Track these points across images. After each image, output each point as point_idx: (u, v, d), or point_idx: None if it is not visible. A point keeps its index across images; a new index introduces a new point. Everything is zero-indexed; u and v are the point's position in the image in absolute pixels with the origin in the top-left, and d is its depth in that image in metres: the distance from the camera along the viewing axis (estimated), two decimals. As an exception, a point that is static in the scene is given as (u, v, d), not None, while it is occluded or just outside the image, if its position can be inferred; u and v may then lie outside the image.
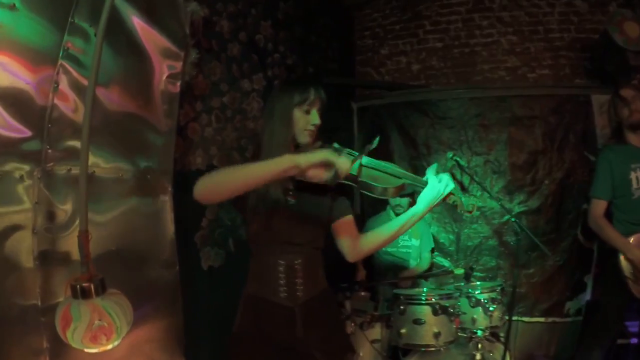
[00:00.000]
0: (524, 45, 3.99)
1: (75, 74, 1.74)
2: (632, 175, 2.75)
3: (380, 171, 1.59)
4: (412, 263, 3.44)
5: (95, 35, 1.77)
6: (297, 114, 1.58)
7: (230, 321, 2.56)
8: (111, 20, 1.80)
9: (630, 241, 2.69)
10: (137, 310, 1.88)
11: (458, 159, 3.51)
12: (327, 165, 1.36)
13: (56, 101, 1.70)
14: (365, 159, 1.56)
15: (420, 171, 3.97)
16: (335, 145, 1.60)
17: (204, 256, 2.49)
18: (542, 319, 3.66)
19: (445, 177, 1.66)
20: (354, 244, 1.69)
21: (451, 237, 3.88)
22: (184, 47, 2.13)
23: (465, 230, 3.84)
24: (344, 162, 1.37)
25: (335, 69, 3.97)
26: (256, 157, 1.57)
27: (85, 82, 1.76)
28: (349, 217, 1.72)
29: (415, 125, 3.97)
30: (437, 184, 1.64)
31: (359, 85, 4.43)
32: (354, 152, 1.59)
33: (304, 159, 1.34)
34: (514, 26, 4.01)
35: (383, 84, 4.31)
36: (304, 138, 1.60)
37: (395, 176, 1.60)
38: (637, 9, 3.58)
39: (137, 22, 1.93)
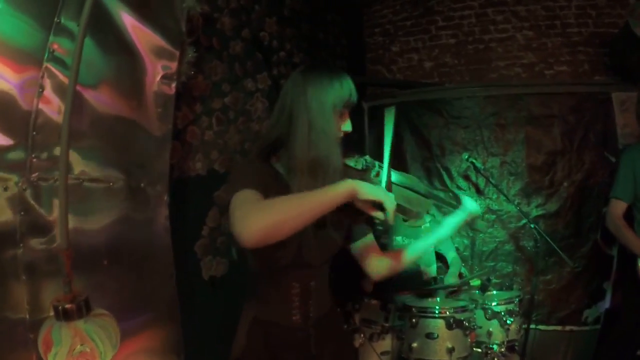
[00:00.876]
0: (540, 40, 3.81)
1: (61, 77, 1.62)
2: None
3: (413, 190, 1.48)
4: (425, 268, 3.29)
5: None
6: (334, 115, 1.39)
7: (233, 332, 2.48)
8: (98, 16, 1.71)
9: None
10: (133, 320, 1.82)
11: (474, 160, 3.39)
12: (377, 205, 1.30)
13: (41, 106, 1.59)
14: (394, 178, 1.47)
15: (433, 172, 3.88)
16: (367, 158, 1.48)
17: (204, 266, 2.37)
18: (559, 327, 3.52)
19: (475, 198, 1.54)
20: (374, 263, 1.63)
21: (466, 241, 3.74)
22: (180, 45, 2.00)
23: (481, 235, 3.69)
24: (389, 198, 1.29)
25: (344, 66, 3.82)
26: (264, 153, 1.42)
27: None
28: (371, 237, 1.64)
29: (429, 125, 3.83)
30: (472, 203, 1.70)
31: (370, 83, 4.29)
32: (380, 165, 1.47)
33: (365, 191, 1.26)
34: (530, 21, 3.83)
35: (394, 82, 4.16)
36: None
37: (426, 196, 1.50)
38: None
39: (127, 19, 1.81)
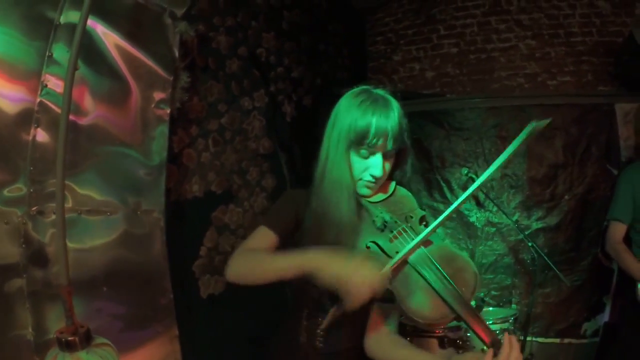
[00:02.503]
0: (544, 50, 3.77)
1: (56, 110, 1.65)
2: None
3: (431, 285, 1.08)
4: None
5: (76, 68, 1.70)
6: (354, 156, 1.20)
7: (231, 349, 2.53)
8: (90, 46, 1.74)
9: None
10: (132, 342, 1.87)
11: (473, 176, 3.38)
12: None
13: (37, 140, 1.63)
14: (417, 255, 1.10)
15: (433, 185, 3.87)
16: (387, 217, 1.19)
17: (203, 285, 2.40)
18: (557, 340, 3.51)
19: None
20: (373, 336, 1.33)
21: (464, 254, 3.72)
22: (173, 71, 2.02)
23: (480, 247, 3.69)
24: (365, 285, 1.00)
25: (345, 78, 3.82)
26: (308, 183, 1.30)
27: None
28: (388, 305, 1.32)
29: (430, 137, 3.81)
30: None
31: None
32: (409, 231, 1.16)
33: (325, 275, 1.05)
34: (533, 30, 3.79)
35: (395, 93, 4.14)
36: (359, 189, 1.24)
37: (448, 304, 1.06)
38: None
39: (119, 47, 1.83)
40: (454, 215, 3.73)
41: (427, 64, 4.06)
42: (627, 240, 2.70)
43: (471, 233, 3.70)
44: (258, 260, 1.20)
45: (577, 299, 3.47)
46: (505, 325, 2.65)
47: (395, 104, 1.24)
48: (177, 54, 2.07)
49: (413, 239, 1.12)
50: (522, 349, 2.77)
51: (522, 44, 3.82)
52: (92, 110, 1.77)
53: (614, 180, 3.37)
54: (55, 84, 1.62)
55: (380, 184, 1.25)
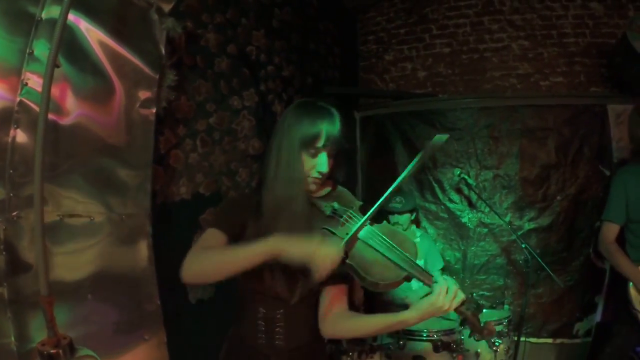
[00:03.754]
0: (536, 50, 3.76)
1: (37, 110, 1.57)
2: None
3: (381, 254, 1.29)
4: (415, 286, 3.26)
5: (57, 65, 1.62)
6: (304, 155, 1.37)
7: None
8: (73, 43, 1.67)
9: None
10: (119, 349, 1.82)
11: (466, 177, 3.37)
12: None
13: (17, 142, 1.55)
14: (365, 232, 1.31)
15: (425, 185, 3.84)
16: (335, 205, 1.37)
17: (191, 290, 2.34)
18: (549, 340, 3.52)
19: (454, 288, 1.24)
20: (329, 317, 1.45)
21: (457, 254, 3.71)
22: (159, 69, 1.95)
23: (472, 248, 3.67)
24: (327, 258, 1.19)
25: (336, 77, 3.77)
26: (257, 190, 1.45)
27: (49, 118, 1.62)
28: (342, 287, 1.48)
29: (421, 137, 3.78)
30: (442, 296, 1.22)
31: (362, 94, 4.23)
32: (356, 215, 1.35)
33: (290, 252, 1.21)
34: (526, 30, 3.78)
35: (387, 93, 4.11)
36: (306, 186, 1.39)
37: (397, 265, 1.27)
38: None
39: (103, 44, 1.75)
40: (446, 216, 3.72)
41: (419, 63, 4.03)
42: (622, 240, 2.70)
43: (463, 234, 3.68)
44: (217, 254, 1.31)
45: (569, 299, 3.47)
46: (500, 327, 2.62)
47: (336, 113, 1.41)
48: (163, 51, 2.00)
49: (359, 220, 1.31)
50: (516, 350, 2.75)
51: (515, 45, 3.81)
52: (74, 109, 1.69)
53: (606, 181, 3.38)
54: (36, 82, 1.55)
55: (323, 181, 1.42)
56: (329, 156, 1.37)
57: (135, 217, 1.89)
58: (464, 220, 3.68)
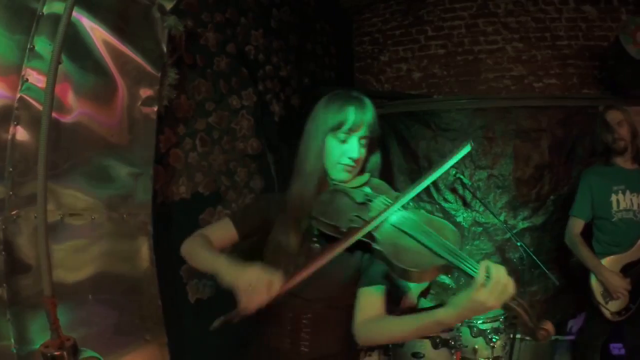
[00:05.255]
0: (530, 52, 3.81)
1: (37, 107, 1.56)
2: (613, 198, 2.73)
3: (415, 239, 1.14)
4: (412, 284, 3.28)
5: (59, 62, 1.61)
6: (332, 141, 1.31)
7: (220, 354, 2.45)
8: (75, 40, 1.65)
9: (604, 262, 2.67)
10: (119, 351, 1.79)
11: (461, 176, 3.39)
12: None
13: (17, 139, 1.53)
14: (398, 217, 1.20)
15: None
16: (367, 190, 1.31)
17: (191, 289, 2.32)
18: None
19: (501, 278, 0.99)
20: (362, 322, 1.30)
21: (452, 253, 3.73)
22: (161, 68, 1.93)
23: (467, 247, 3.70)
24: (253, 287, 1.11)
25: (332, 77, 3.77)
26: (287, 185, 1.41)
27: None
28: (377, 289, 1.32)
29: (416, 137, 3.80)
30: (485, 289, 0.99)
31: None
32: (387, 199, 1.26)
33: (225, 274, 1.19)
34: (520, 32, 3.83)
35: (382, 93, 4.12)
36: (337, 173, 1.33)
37: (433, 251, 1.10)
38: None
39: (105, 42, 1.74)
40: (441, 215, 3.74)
41: (414, 64, 4.05)
42: (589, 235, 2.84)
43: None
44: (199, 249, 1.34)
45: (563, 297, 3.50)
46: (496, 324, 2.65)
47: (367, 99, 1.36)
48: (165, 49, 1.98)
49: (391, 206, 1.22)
50: (512, 347, 2.78)
51: (509, 47, 3.85)
52: (75, 107, 1.67)
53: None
54: (36, 78, 1.53)
55: (357, 171, 1.35)
56: (360, 143, 1.31)
57: (137, 217, 1.88)
58: (459, 219, 3.71)
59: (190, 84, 2.31)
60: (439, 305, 1.22)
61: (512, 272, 2.97)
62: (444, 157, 3.72)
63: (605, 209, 2.73)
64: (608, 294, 2.64)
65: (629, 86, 3.34)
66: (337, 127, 1.29)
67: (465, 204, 3.70)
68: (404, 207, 1.23)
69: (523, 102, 3.66)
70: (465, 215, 3.71)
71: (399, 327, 1.23)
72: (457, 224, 3.71)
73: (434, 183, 3.76)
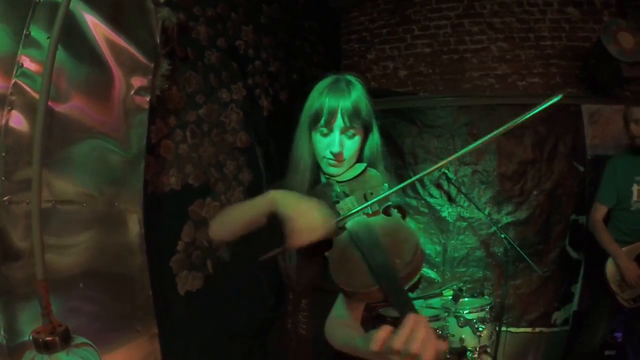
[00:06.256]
0: (514, 52, 3.89)
1: (31, 93, 1.55)
2: (634, 188, 2.78)
3: (361, 253, 1.03)
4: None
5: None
6: (315, 135, 1.26)
7: (210, 346, 2.46)
8: (70, 28, 1.65)
9: (623, 249, 2.71)
10: (110, 340, 1.79)
11: (446, 171, 3.45)
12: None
13: (10, 125, 1.53)
14: (357, 223, 1.11)
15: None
16: (337, 188, 1.21)
17: (180, 281, 2.33)
18: (529, 330, 3.64)
19: (422, 332, 0.82)
20: (329, 317, 1.19)
21: (438, 248, 3.80)
22: (154, 58, 1.95)
23: (452, 242, 3.76)
24: (310, 223, 1.04)
25: (320, 75, 3.79)
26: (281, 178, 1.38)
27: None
28: None
29: (402, 134, 3.86)
30: (400, 337, 0.81)
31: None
32: (355, 202, 1.17)
33: (281, 204, 1.11)
34: (505, 33, 3.91)
35: (369, 90, 4.14)
36: (325, 167, 1.27)
37: (372, 272, 0.98)
38: (629, 18, 3.51)
39: (100, 31, 1.75)
40: (426, 210, 3.80)
41: (401, 63, 4.11)
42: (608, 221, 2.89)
43: (443, 228, 3.77)
44: (232, 211, 1.31)
45: (546, 290, 3.60)
46: (482, 314, 2.71)
47: (356, 86, 1.28)
48: (158, 40, 2.00)
49: (354, 209, 1.13)
50: (497, 339, 2.84)
51: (494, 46, 3.93)
52: (69, 95, 1.67)
53: (580, 177, 3.56)
54: (31, 64, 1.53)
55: (345, 163, 1.26)
56: (344, 135, 1.23)
57: (128, 206, 1.88)
58: (444, 214, 3.77)
59: (182, 76, 2.32)
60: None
61: (497, 266, 3.06)
62: (428, 153, 3.77)
63: (625, 198, 2.79)
64: (624, 282, 2.69)
65: (609, 85, 3.44)
66: (316, 121, 1.23)
67: (450, 199, 3.76)
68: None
69: (507, 100, 3.74)
70: (450, 210, 3.78)
71: (337, 339, 1.11)
72: (442, 219, 3.77)
73: (420, 179, 3.82)
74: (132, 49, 1.88)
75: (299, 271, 1.28)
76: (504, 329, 3.30)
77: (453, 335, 2.65)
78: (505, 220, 3.68)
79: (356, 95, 1.25)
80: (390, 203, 1.19)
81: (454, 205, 3.78)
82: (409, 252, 1.00)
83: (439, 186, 3.79)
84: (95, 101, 1.77)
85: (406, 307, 0.87)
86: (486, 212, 3.59)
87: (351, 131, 1.24)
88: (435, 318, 2.56)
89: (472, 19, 3.94)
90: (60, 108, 1.67)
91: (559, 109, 3.63)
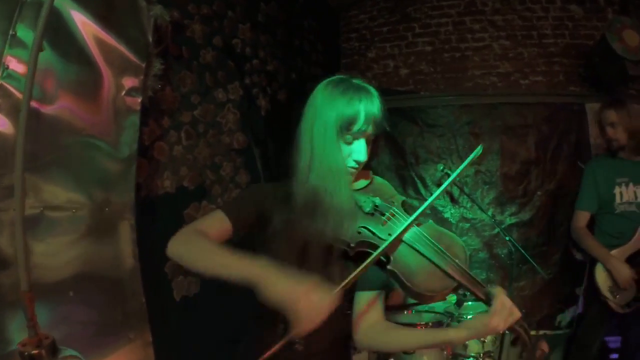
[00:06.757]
0: (516, 50, 3.83)
1: (18, 95, 1.50)
2: (616, 190, 2.75)
3: (429, 259, 1.11)
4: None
5: (41, 49, 1.55)
6: (339, 141, 1.19)
7: (207, 352, 2.41)
8: (58, 27, 1.60)
9: (613, 252, 2.67)
10: (103, 349, 1.74)
11: (449, 171, 3.37)
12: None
13: (-5, 129, 1.47)
14: (411, 233, 1.13)
15: (407, 181, 3.85)
16: (377, 201, 1.18)
17: (176, 287, 2.27)
18: (533, 332, 3.50)
19: (508, 304, 1.10)
20: (362, 327, 1.26)
21: (440, 249, 3.73)
22: (146, 57, 1.88)
23: (456, 243, 3.69)
24: (315, 311, 0.96)
25: (319, 74, 3.74)
26: (287, 180, 1.26)
27: (31, 105, 1.54)
28: (377, 294, 1.29)
29: (403, 134, 3.81)
30: (498, 315, 1.08)
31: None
32: (399, 213, 1.17)
33: (269, 290, 0.99)
34: (507, 30, 3.85)
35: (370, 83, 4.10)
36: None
37: (446, 273, 1.10)
38: (632, 15, 3.44)
39: (89, 30, 1.69)
40: (428, 211, 3.73)
41: (402, 61, 4.04)
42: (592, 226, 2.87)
43: (446, 229, 3.69)
44: (202, 246, 1.14)
45: (550, 291, 3.55)
46: (486, 320, 2.64)
47: (375, 91, 1.23)
48: (150, 39, 1.93)
49: (404, 220, 1.15)
50: (502, 342, 2.78)
51: (496, 44, 3.87)
52: (57, 97, 1.62)
53: (584, 177, 3.48)
54: (18, 66, 1.47)
55: (359, 171, 1.25)
56: (367, 142, 1.20)
57: (119, 210, 1.82)
58: (447, 215, 3.72)
59: (176, 76, 2.26)
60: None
61: (500, 267, 3.00)
62: (430, 153, 3.72)
63: (608, 202, 2.74)
64: (616, 287, 2.63)
65: (613, 83, 3.38)
66: (346, 127, 1.15)
67: (453, 200, 3.70)
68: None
69: (509, 99, 3.70)
70: (452, 211, 3.72)
71: (409, 340, 1.24)
72: (445, 220, 3.71)
73: (422, 180, 3.77)
74: (122, 48, 1.82)
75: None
76: (507, 332, 3.23)
77: (468, 345, 2.57)
78: (509, 221, 3.62)
79: (380, 101, 1.21)
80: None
81: (456, 206, 3.72)
82: (462, 251, 1.16)
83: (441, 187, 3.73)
84: (85, 102, 1.72)
85: (483, 291, 1.13)
86: (489, 213, 3.54)
87: (372, 139, 1.22)
88: (438, 323, 2.49)
89: (474, 17, 3.88)
90: (47, 110, 1.61)
91: (563, 108, 3.57)
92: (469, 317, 2.64)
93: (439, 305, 2.81)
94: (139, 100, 1.87)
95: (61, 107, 1.63)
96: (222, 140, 2.56)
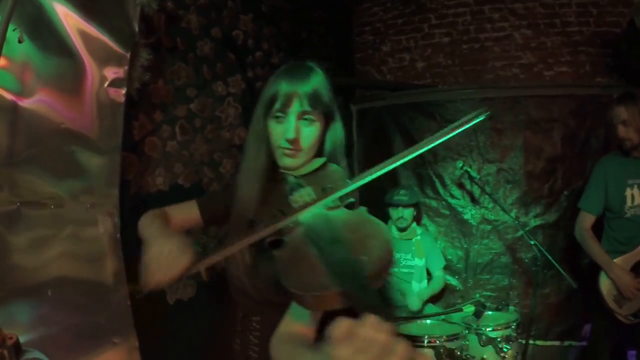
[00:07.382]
0: (539, 40, 3.62)
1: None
2: (627, 192, 2.52)
3: (317, 251, 0.84)
4: (415, 286, 3.08)
5: (19, 40, 1.47)
6: (271, 123, 1.15)
7: (201, 357, 2.30)
8: (36, 16, 1.54)
9: (616, 261, 2.48)
10: (85, 352, 1.67)
11: (468, 169, 3.21)
12: None
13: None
14: (315, 217, 0.92)
15: (425, 180, 3.67)
16: (292, 180, 1.08)
17: (169, 289, 2.16)
18: (557, 343, 3.33)
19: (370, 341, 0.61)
20: (276, 333, 1.01)
21: (459, 253, 3.53)
22: (131, 47, 1.79)
23: (475, 246, 3.49)
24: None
25: (331, 68, 3.60)
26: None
27: (8, 98, 1.46)
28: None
29: (421, 129, 3.60)
30: (348, 348, 0.61)
31: (358, 85, 4.08)
32: (312, 192, 1.02)
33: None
34: (528, 19, 3.64)
35: (384, 84, 3.95)
36: (279, 159, 1.16)
37: (329, 273, 0.78)
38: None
39: (70, 19, 1.62)
40: (447, 212, 3.54)
41: (418, 54, 3.88)
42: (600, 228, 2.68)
43: (466, 231, 3.51)
44: (149, 221, 1.17)
45: (577, 299, 3.27)
46: (508, 332, 2.44)
47: (316, 71, 1.17)
48: (136, 28, 1.84)
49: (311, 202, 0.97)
50: (524, 354, 2.57)
51: (517, 34, 3.67)
52: (36, 89, 1.55)
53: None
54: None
55: (302, 154, 1.15)
56: (302, 120, 1.13)
57: (102, 207, 1.73)
58: (467, 216, 3.51)
59: (169, 68, 2.17)
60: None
61: (524, 273, 2.77)
62: (449, 150, 3.50)
63: (618, 204, 2.53)
64: (621, 297, 2.44)
65: (643, 71, 3.13)
66: (270, 104, 1.13)
67: (474, 200, 3.49)
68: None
69: (533, 92, 3.46)
70: (473, 212, 3.51)
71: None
72: (465, 221, 3.51)
73: (441, 178, 3.57)
74: (105, 38, 1.74)
75: (254, 271, 1.13)
76: (533, 342, 3.02)
77: (474, 357, 2.38)
78: (534, 223, 3.38)
79: (316, 79, 1.14)
80: (353, 200, 1.04)
81: (477, 206, 3.51)
82: (378, 249, 0.83)
83: (461, 186, 3.53)
84: (65, 95, 1.65)
85: (375, 312, 0.64)
86: (512, 214, 3.32)
87: (310, 116, 1.13)
88: (454, 336, 2.30)
89: (493, 5, 3.68)
90: (25, 103, 1.55)
91: (590, 101, 3.32)
92: (488, 329, 2.45)
93: (455, 316, 2.61)
94: (123, 91, 1.78)
95: (40, 100, 1.58)
96: (221, 135, 2.45)
